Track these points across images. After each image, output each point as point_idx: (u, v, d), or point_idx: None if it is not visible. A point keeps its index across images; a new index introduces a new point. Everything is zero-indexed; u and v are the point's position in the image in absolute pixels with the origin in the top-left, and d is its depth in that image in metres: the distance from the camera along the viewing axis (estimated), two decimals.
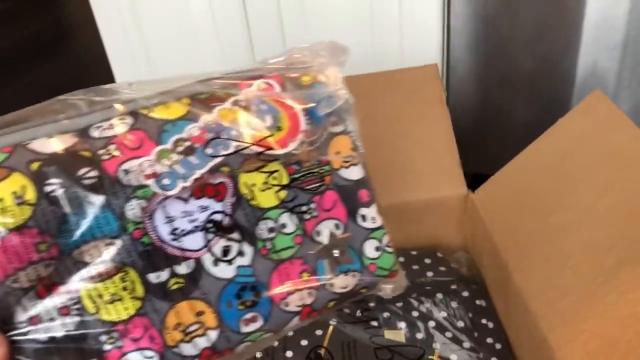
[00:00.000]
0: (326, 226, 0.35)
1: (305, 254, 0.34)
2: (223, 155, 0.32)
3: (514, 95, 0.97)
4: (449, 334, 0.53)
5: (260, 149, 0.33)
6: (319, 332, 0.52)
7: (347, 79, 0.64)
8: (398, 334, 0.53)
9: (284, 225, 0.34)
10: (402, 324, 0.53)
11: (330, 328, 0.52)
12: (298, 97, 0.35)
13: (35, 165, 0.29)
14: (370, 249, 0.36)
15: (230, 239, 0.33)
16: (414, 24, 0.91)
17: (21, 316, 0.29)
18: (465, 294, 0.58)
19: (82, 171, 0.30)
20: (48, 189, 0.29)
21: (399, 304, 0.55)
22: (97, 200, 0.30)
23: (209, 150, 0.32)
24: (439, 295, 0.57)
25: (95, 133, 0.31)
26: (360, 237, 0.36)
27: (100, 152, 0.30)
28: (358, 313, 0.54)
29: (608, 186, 0.50)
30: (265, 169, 0.34)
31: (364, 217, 0.36)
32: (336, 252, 0.35)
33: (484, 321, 0.56)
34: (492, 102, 0.99)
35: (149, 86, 0.34)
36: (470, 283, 0.60)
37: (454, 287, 0.59)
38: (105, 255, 0.30)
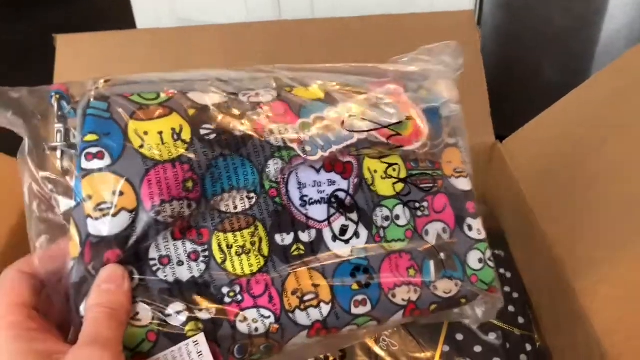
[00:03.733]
0: (435, 227, 0.36)
1: (414, 251, 0.35)
2: (359, 131, 0.34)
3: (544, 53, 0.95)
4: None
5: (386, 140, 0.34)
6: None
7: (381, 18, 0.63)
8: None
9: (397, 217, 0.35)
10: None
11: None
12: (419, 105, 0.36)
13: (192, 111, 0.31)
14: (473, 259, 0.36)
15: (349, 219, 0.34)
16: None
17: (154, 253, 0.30)
18: None
19: (232, 124, 0.31)
20: (203, 132, 0.30)
21: None
22: (244, 152, 0.31)
23: (345, 131, 0.33)
24: None
25: (244, 98, 0.33)
26: (465, 246, 0.36)
27: (249, 112, 0.32)
28: None
29: None
30: (386, 160, 0.35)
31: (470, 227, 0.37)
32: (442, 256, 0.36)
33: (502, 271, 0.56)
34: (521, 61, 0.97)
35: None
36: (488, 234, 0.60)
37: None
38: (240, 207, 0.32)
